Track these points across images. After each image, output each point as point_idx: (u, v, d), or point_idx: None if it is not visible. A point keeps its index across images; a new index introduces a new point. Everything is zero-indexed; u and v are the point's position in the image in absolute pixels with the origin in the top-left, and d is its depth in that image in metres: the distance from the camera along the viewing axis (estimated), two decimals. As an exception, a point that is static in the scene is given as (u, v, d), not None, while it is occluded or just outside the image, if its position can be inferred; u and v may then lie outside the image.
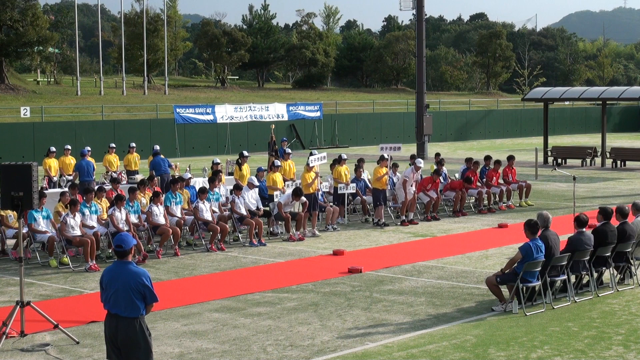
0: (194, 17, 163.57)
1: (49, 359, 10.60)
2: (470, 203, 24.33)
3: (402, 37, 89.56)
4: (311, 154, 22.69)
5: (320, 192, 20.98)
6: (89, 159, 24.43)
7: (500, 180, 24.53)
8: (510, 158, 25.01)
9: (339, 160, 22.25)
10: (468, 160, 24.22)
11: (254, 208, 19.40)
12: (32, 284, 14.89)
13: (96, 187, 19.21)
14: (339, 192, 21.51)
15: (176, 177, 20.86)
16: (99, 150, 34.56)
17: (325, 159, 21.52)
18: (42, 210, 16.89)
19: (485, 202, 23.93)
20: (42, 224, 16.84)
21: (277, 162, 21.47)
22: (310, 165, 20.47)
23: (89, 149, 25.73)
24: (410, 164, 22.65)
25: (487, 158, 24.59)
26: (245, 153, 23.51)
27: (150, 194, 18.76)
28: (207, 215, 18.36)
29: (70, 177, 25.63)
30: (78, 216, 16.69)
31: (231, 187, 22.12)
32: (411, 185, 21.52)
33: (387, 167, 21.61)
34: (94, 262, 16.19)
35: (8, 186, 11.62)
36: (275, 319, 12.34)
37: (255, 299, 13.61)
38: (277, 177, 20.69)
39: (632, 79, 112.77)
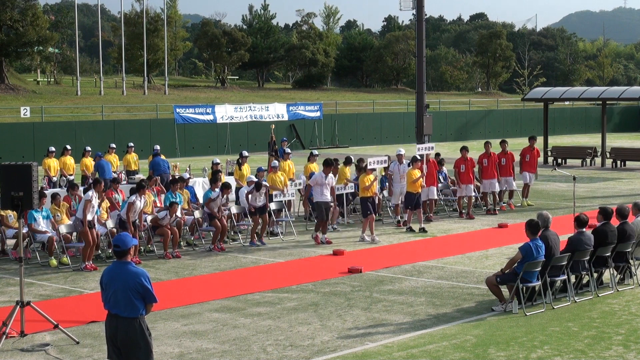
0: (194, 17, 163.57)
1: (49, 359, 10.60)
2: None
3: (402, 37, 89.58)
4: (312, 154, 22.63)
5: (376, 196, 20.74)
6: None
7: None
8: (532, 138, 25.14)
9: (345, 162, 22.02)
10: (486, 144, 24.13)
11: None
12: (32, 284, 14.89)
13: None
14: (337, 192, 21.33)
15: (176, 177, 20.86)
16: (99, 150, 34.53)
17: (386, 163, 21.07)
18: (42, 210, 16.90)
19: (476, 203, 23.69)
20: (42, 224, 16.84)
21: (275, 163, 21.36)
22: (369, 167, 19.81)
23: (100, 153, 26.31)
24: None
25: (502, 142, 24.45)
26: (245, 153, 23.51)
27: (150, 194, 18.74)
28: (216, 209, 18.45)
29: (71, 177, 25.66)
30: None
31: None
32: (400, 180, 21.14)
33: (420, 169, 20.66)
34: (91, 263, 16.19)
35: (8, 186, 11.63)
36: (275, 319, 12.34)
37: (255, 299, 13.61)
38: (278, 177, 20.65)
39: (632, 79, 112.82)
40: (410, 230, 20.34)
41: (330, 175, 19.44)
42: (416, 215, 20.62)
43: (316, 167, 22.21)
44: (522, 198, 24.75)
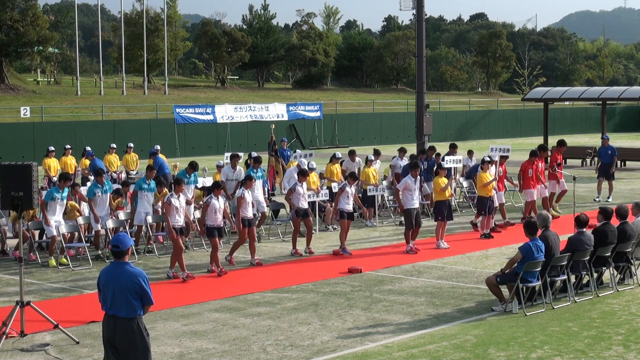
0: (194, 17, 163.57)
1: (49, 359, 10.60)
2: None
3: (402, 37, 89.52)
4: (334, 156, 22.23)
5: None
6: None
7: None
8: (533, 154, 21.62)
9: (366, 162, 21.82)
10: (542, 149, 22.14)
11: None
12: (32, 284, 14.90)
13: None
14: (369, 194, 20.84)
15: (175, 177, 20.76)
16: (99, 150, 34.55)
17: (461, 163, 20.22)
18: (62, 191, 16.62)
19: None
20: (58, 209, 16.47)
21: (313, 165, 20.53)
22: (445, 166, 18.85)
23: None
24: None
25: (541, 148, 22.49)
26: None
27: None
28: (303, 203, 17.78)
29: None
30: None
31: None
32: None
33: (490, 172, 19.35)
34: (187, 272, 15.17)
35: (8, 186, 11.64)
36: (275, 319, 12.34)
37: (255, 299, 13.61)
38: (312, 177, 19.84)
39: (632, 79, 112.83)
40: (488, 236, 19.11)
41: (419, 178, 17.99)
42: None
43: (338, 168, 21.96)
44: (550, 208, 22.22)
